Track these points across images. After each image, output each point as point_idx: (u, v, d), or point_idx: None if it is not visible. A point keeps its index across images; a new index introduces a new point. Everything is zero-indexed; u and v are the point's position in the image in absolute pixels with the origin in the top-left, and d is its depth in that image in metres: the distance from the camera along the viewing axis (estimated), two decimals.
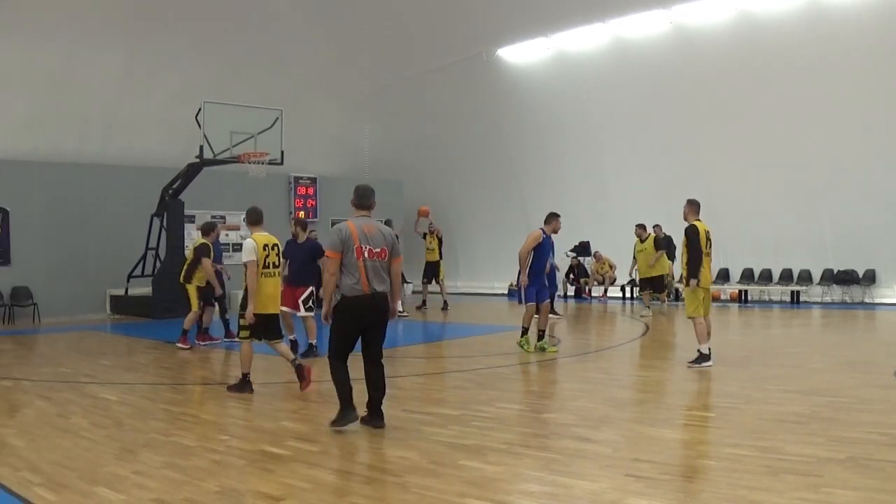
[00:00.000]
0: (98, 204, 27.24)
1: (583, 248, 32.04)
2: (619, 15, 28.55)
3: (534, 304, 16.44)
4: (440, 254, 27.34)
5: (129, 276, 26.06)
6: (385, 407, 10.04)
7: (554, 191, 32.75)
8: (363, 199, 10.25)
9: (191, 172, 25.21)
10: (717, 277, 29.18)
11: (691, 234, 14.33)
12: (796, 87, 25.93)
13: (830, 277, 27.44)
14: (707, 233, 14.50)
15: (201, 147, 24.09)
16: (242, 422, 10.59)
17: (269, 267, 12.58)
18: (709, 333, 14.30)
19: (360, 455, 8.76)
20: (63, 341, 20.39)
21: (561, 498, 7.11)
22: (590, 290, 32.09)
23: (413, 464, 8.24)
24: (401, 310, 22.63)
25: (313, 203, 33.33)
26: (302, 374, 12.27)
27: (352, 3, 31.03)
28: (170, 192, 25.76)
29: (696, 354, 14.26)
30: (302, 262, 16.39)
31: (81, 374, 14.78)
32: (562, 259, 32.10)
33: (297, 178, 32.99)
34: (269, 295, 12.58)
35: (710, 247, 14.61)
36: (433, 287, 27.70)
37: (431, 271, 27.47)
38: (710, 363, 13.99)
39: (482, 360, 15.74)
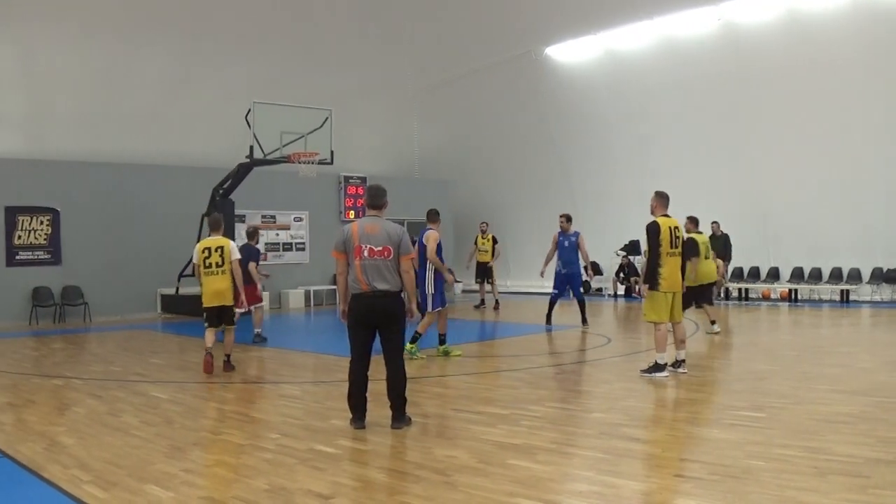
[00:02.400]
0: (148, 204, 27.39)
1: (632, 247, 31.85)
2: (666, 12, 28.41)
3: (441, 309, 16.22)
4: (493, 255, 27.34)
5: (180, 276, 26.13)
6: (409, 408, 10.05)
7: (602, 189, 32.63)
8: (374, 199, 10.34)
9: (241, 172, 25.24)
10: (766, 276, 28.95)
11: (651, 231, 13.50)
12: (846, 83, 25.65)
13: (880, 276, 27.07)
14: (673, 230, 13.55)
15: (251, 147, 24.11)
16: (293, 420, 10.53)
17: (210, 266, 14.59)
18: (682, 340, 13.78)
19: (410, 454, 8.69)
20: (113, 340, 20.52)
21: (609, 498, 7.03)
22: (640, 290, 31.89)
23: (462, 463, 8.19)
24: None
25: (363, 202, 33.29)
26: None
27: (401, 3, 31.01)
28: (220, 191, 25.79)
29: (650, 363, 13.72)
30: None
31: (132, 373, 14.85)
32: (612, 258, 31.97)
33: (346, 178, 32.97)
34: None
35: (679, 245, 13.60)
36: (486, 287, 27.81)
37: (484, 272, 27.45)
38: (664, 374, 13.20)
39: (532, 360, 15.66)
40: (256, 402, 12.27)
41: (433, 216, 17.13)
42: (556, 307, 21.74)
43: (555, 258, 21.68)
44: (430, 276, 15.98)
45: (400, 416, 9.88)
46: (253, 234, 20.26)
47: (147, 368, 15.49)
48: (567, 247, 21.15)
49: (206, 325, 14.85)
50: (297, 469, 8.10)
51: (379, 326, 9.91)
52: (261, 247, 21.04)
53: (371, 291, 9.73)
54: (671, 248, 13.37)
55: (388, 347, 9.98)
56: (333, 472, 7.97)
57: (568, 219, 21.50)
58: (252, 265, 19.16)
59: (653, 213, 13.85)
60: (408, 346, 15.13)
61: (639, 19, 29.23)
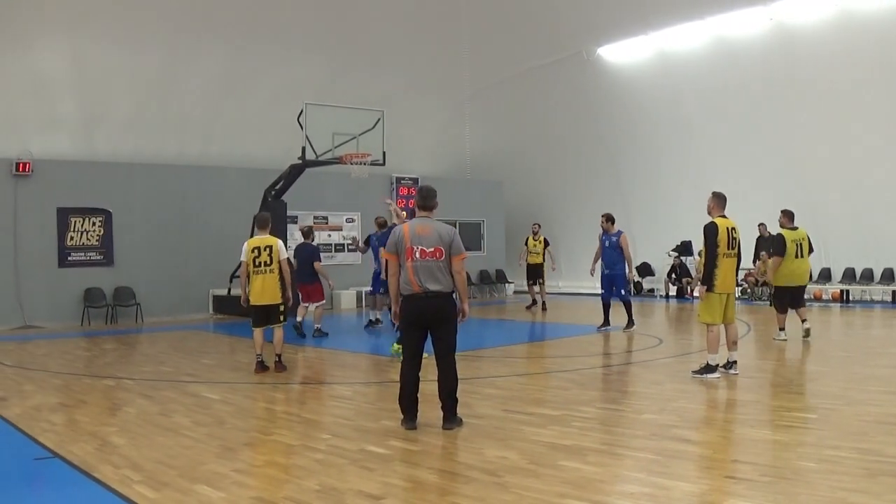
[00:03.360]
0: (200, 205, 27.52)
1: (684, 248, 31.67)
2: (718, 12, 28.22)
3: None
4: (544, 257, 27.21)
5: (232, 276, 26.17)
6: (460, 408, 9.99)
7: (654, 190, 32.50)
8: (425, 201, 10.35)
9: (293, 173, 25.30)
10: (818, 277, 28.71)
11: (709, 232, 13.42)
12: None
13: None
14: (731, 230, 13.48)
15: (303, 148, 24.17)
16: (344, 421, 10.51)
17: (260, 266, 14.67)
18: (735, 342, 13.56)
19: (460, 455, 8.64)
20: (165, 340, 20.62)
21: (660, 499, 6.96)
22: (692, 290, 31.69)
23: (513, 464, 8.14)
24: (374, 319, 22.34)
25: (414, 203, 33.25)
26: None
27: (453, 3, 30.99)
28: (272, 192, 25.88)
29: (703, 363, 13.52)
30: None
31: (183, 373, 14.90)
32: (663, 259, 31.80)
33: (399, 179, 33.01)
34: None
35: (736, 246, 13.57)
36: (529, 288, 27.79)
37: (535, 273, 27.37)
38: (715, 375, 13.02)
39: (583, 360, 15.59)
40: (307, 402, 12.29)
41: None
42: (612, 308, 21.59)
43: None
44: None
45: (451, 417, 9.85)
46: (308, 232, 20.88)
47: (198, 369, 15.55)
48: (608, 247, 21.00)
49: (252, 325, 14.92)
50: (348, 469, 8.07)
51: (431, 327, 9.89)
52: None
53: (423, 292, 9.72)
54: (728, 249, 13.27)
55: (440, 347, 9.92)
56: (384, 472, 7.94)
57: (608, 219, 21.29)
58: (318, 264, 19.65)
59: (710, 213, 13.73)
60: (395, 346, 15.26)
61: (690, 19, 29.06)
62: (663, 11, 29.14)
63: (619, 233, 20.98)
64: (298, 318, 20.40)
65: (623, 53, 32.26)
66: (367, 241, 22.34)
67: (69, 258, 25.06)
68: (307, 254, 20.16)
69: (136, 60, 26.21)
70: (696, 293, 13.91)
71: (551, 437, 9.21)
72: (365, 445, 9.06)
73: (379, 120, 25.30)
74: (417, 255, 9.75)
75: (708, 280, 13.29)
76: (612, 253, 20.94)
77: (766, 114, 28.41)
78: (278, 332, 14.95)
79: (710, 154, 30.67)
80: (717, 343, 13.25)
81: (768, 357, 16.29)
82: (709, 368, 13.13)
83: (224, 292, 26.94)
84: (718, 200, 13.83)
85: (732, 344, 13.52)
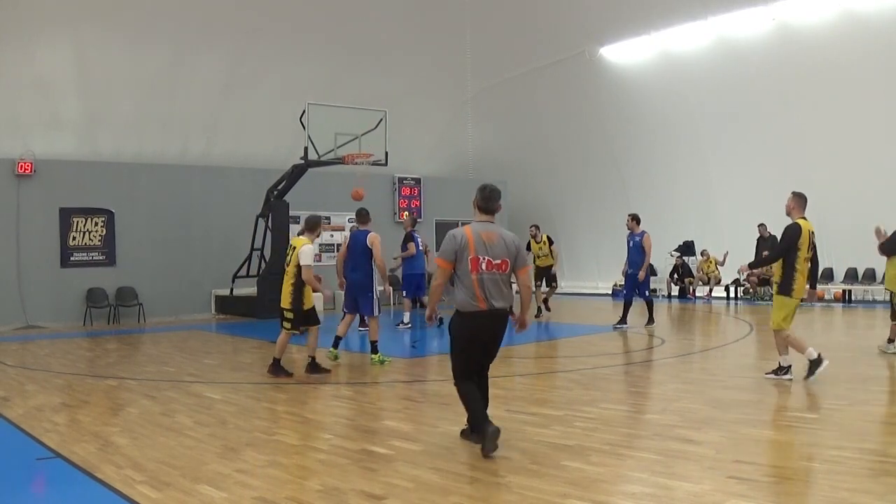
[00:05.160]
0: (202, 205, 27.57)
1: (687, 248, 31.69)
2: (721, 12, 28.22)
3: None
4: (553, 256, 27.05)
5: (235, 277, 26.25)
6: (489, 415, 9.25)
7: (658, 190, 32.52)
8: (488, 202, 9.05)
9: (295, 173, 25.33)
10: (820, 277, 28.70)
11: (792, 234, 12.58)
12: None
13: None
14: (811, 234, 12.68)
15: (306, 148, 24.19)
16: (346, 421, 10.52)
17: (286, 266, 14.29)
18: (787, 347, 12.93)
19: (463, 455, 8.62)
20: (168, 341, 20.61)
21: (663, 499, 6.95)
22: (694, 291, 31.71)
23: (515, 464, 8.14)
24: (406, 321, 22.48)
25: (417, 203, 33.32)
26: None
27: (456, 3, 31.00)
28: (275, 193, 25.91)
29: (777, 364, 13.05)
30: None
31: (186, 374, 14.89)
32: (666, 259, 31.80)
33: (401, 179, 33.03)
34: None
35: (814, 250, 12.73)
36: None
37: (544, 276, 27.29)
38: (789, 377, 12.63)
39: (586, 361, 15.58)
40: (309, 402, 12.26)
41: (367, 217, 16.17)
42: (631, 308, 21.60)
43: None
44: (376, 279, 15.74)
45: (484, 432, 8.61)
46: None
47: (201, 369, 15.54)
48: (632, 247, 21.09)
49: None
50: (350, 470, 8.07)
51: (487, 345, 8.99)
52: (314, 247, 21.15)
53: (489, 310, 8.70)
54: (808, 253, 12.55)
55: (487, 363, 9.21)
56: (386, 472, 7.93)
57: (633, 218, 21.35)
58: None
59: (790, 214, 13.05)
60: (376, 357, 15.30)
61: (693, 19, 29.08)
62: (666, 11, 29.17)
63: (643, 233, 21.07)
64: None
65: (626, 54, 32.28)
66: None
67: (72, 258, 25.08)
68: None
69: (138, 60, 26.25)
70: (748, 284, 13.45)
71: (554, 438, 9.21)
72: (367, 445, 9.06)
73: (381, 120, 25.29)
74: (483, 266, 8.67)
75: (787, 285, 12.50)
76: (635, 253, 21.06)
77: (769, 114, 28.42)
78: (311, 335, 14.58)
79: (712, 154, 30.71)
80: (804, 340, 12.72)
81: (770, 357, 16.27)
82: (815, 363, 12.52)
83: (227, 292, 26.95)
84: (799, 200, 13.18)
85: (784, 348, 12.89)
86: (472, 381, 8.99)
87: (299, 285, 13.94)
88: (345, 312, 15.98)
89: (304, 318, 14.29)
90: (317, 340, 14.56)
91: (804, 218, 12.83)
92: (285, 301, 14.14)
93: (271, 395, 12.75)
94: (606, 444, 8.86)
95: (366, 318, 16.09)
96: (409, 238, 22.13)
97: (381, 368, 14.78)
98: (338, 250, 21.07)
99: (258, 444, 9.18)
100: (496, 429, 8.47)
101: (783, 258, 12.60)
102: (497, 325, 8.89)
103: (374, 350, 15.49)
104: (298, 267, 13.78)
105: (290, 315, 14.15)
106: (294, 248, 14.24)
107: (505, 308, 8.81)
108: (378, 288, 15.86)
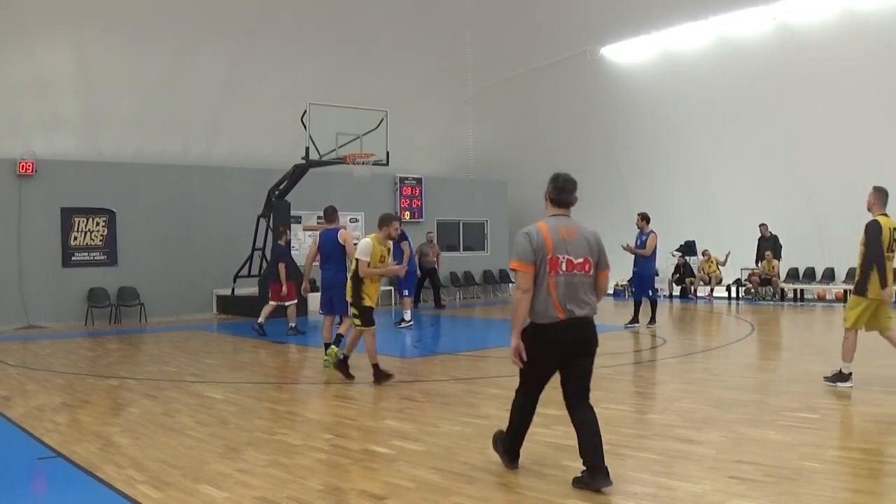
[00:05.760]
0: (204, 205, 27.58)
1: (688, 248, 31.67)
2: (721, 11, 28.21)
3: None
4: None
5: (236, 277, 26.25)
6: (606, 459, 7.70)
7: (658, 190, 32.49)
8: (563, 194, 7.81)
9: (297, 173, 25.33)
10: (822, 277, 28.74)
11: (872, 230, 11.95)
12: None
13: None
14: (892, 231, 11.99)
15: (307, 148, 24.18)
16: (347, 421, 10.53)
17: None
18: (853, 349, 12.19)
19: (464, 455, 8.60)
20: (169, 340, 20.63)
21: (663, 499, 6.98)
22: (695, 290, 31.69)
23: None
24: (408, 319, 22.63)
25: (419, 203, 33.32)
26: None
27: (457, 3, 31.00)
28: (276, 192, 25.90)
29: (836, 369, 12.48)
30: None
31: (187, 373, 14.89)
32: (667, 259, 31.78)
33: (402, 179, 33.02)
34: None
35: (894, 248, 11.96)
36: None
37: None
38: (849, 384, 11.99)
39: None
40: (310, 402, 12.27)
41: (334, 214, 15.87)
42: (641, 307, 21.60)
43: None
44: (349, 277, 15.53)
45: (607, 471, 7.31)
46: (282, 233, 21.55)
47: (202, 369, 15.54)
48: (639, 246, 21.11)
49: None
50: (351, 469, 8.09)
51: (571, 359, 7.57)
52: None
53: (568, 319, 7.36)
54: (889, 251, 11.96)
55: (576, 386, 7.65)
56: (387, 472, 7.94)
57: (643, 217, 21.40)
58: (282, 266, 19.80)
59: (870, 210, 12.32)
60: (332, 350, 14.75)
61: (694, 19, 29.06)
62: (667, 11, 29.13)
63: (650, 232, 21.10)
64: (291, 322, 20.85)
65: (627, 53, 32.24)
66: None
67: (73, 258, 25.08)
68: (275, 255, 20.52)
69: (139, 60, 26.23)
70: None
71: (555, 438, 9.21)
72: (368, 445, 9.08)
73: (382, 120, 25.31)
74: (563, 267, 7.39)
75: (863, 284, 11.91)
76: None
77: (770, 114, 28.38)
78: (367, 338, 13.42)
79: (713, 153, 30.68)
80: (853, 350, 12.20)
81: (771, 357, 16.28)
82: (841, 377, 12.15)
83: (228, 292, 26.95)
84: (880, 196, 12.30)
85: (849, 353, 12.16)
86: (535, 399, 7.85)
87: (357, 280, 13.22)
88: (322, 314, 15.67)
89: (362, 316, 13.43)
90: (374, 344, 13.40)
91: (885, 214, 12.22)
92: (348, 295, 13.65)
93: (272, 394, 12.77)
94: (607, 443, 8.76)
95: (327, 315, 15.37)
96: (403, 237, 22.15)
97: (383, 369, 14.71)
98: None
99: (259, 444, 9.18)
100: (515, 467, 7.78)
101: (862, 257, 12.01)
102: (579, 338, 7.50)
103: (337, 342, 15.04)
104: (357, 261, 13.21)
105: (354, 311, 13.45)
106: None
107: (588, 317, 7.52)
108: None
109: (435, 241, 29.92)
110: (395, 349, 17.55)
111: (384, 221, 13.53)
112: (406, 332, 21.49)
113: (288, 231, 21.87)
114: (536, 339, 7.42)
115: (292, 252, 23.15)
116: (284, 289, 20.49)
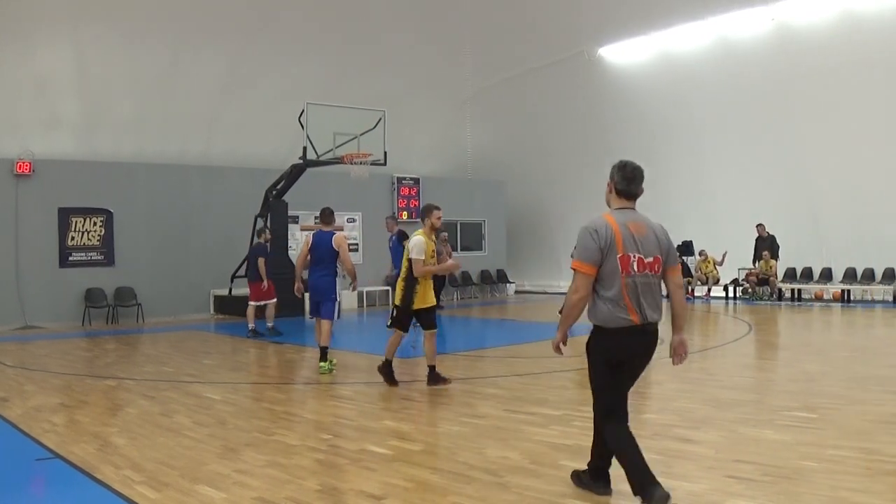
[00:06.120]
0: (201, 205, 27.56)
1: (685, 248, 31.67)
2: (720, 12, 28.25)
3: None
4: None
5: (233, 277, 26.22)
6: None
7: (656, 190, 32.16)
8: (632, 184, 7.11)
9: (294, 173, 25.32)
10: (819, 277, 28.74)
11: None
12: None
13: None
14: None
15: (304, 148, 24.18)
16: (345, 421, 10.52)
17: None
18: None
19: (462, 455, 8.59)
20: (166, 341, 20.62)
21: None
22: (692, 290, 31.70)
23: (514, 464, 8.15)
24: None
25: (416, 203, 33.29)
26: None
27: (455, 3, 31.02)
28: (273, 192, 25.90)
29: None
30: None
31: (184, 374, 14.89)
32: None
33: (400, 179, 33.01)
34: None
35: None
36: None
37: None
38: None
39: (584, 360, 15.53)
40: (308, 402, 12.26)
41: (331, 217, 15.58)
42: None
43: None
44: (340, 283, 15.25)
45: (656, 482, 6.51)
46: (261, 231, 21.44)
47: (199, 369, 15.54)
48: None
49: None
50: (349, 470, 8.09)
51: (632, 367, 7.05)
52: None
53: (643, 324, 6.71)
54: None
55: (627, 392, 7.11)
56: (385, 472, 7.94)
57: None
58: (261, 261, 19.75)
59: None
60: (325, 364, 14.51)
61: (692, 19, 29.11)
62: (665, 12, 29.21)
63: None
64: (269, 323, 20.94)
65: (625, 54, 32.33)
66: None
67: (70, 258, 25.06)
68: (256, 252, 20.54)
69: (137, 60, 26.28)
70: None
71: (552, 437, 9.22)
72: (366, 445, 9.05)
73: (380, 120, 25.29)
74: (635, 266, 6.66)
75: None
76: None
77: (768, 114, 28.41)
78: (427, 340, 12.92)
79: (711, 153, 30.70)
80: None
81: (769, 357, 16.29)
82: None
83: (225, 292, 26.92)
84: None
85: None
86: (624, 420, 6.95)
87: (412, 282, 12.56)
88: (313, 318, 15.31)
89: (420, 317, 12.81)
90: (434, 346, 12.90)
91: None
92: (397, 298, 12.91)
93: (270, 395, 12.75)
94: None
95: (321, 319, 14.87)
96: (406, 236, 22.15)
97: (370, 369, 14.65)
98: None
99: (257, 445, 9.17)
100: (666, 494, 6.40)
101: None
102: (652, 345, 6.92)
103: (324, 357, 14.68)
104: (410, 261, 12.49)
105: (394, 314, 12.81)
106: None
107: (657, 321, 6.85)
108: (346, 290, 15.49)
109: (448, 242, 29.98)
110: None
111: (426, 212, 12.93)
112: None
113: (266, 231, 21.80)
114: (610, 346, 6.81)
115: (289, 252, 23.16)
116: (265, 284, 20.43)
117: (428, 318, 12.85)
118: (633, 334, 6.67)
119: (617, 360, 6.79)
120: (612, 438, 6.81)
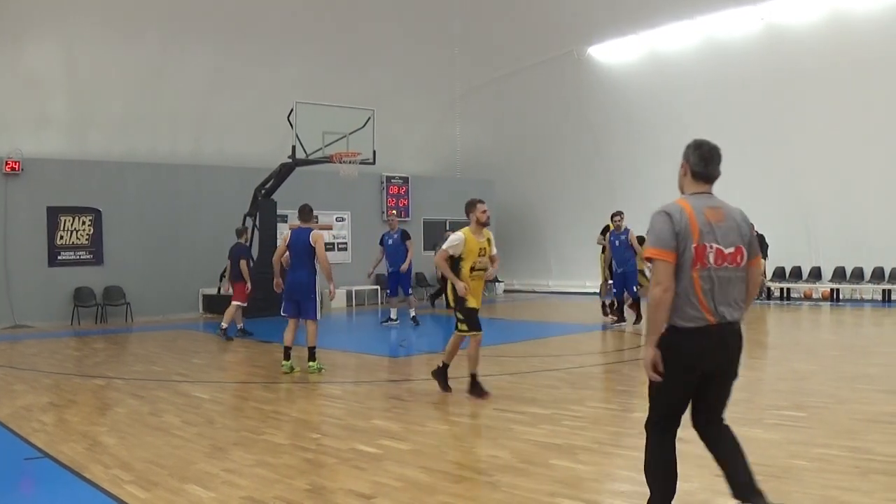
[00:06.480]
0: (190, 204, 27.53)
1: None
2: (709, 12, 28.30)
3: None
4: None
5: (222, 276, 26.17)
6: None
7: (645, 189, 32.45)
8: (710, 165, 6.27)
9: (283, 172, 25.32)
10: (808, 275, 28.78)
11: None
12: (889, 83, 25.48)
13: None
14: None
15: (293, 147, 24.20)
16: (334, 420, 10.52)
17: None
18: None
19: (451, 454, 8.63)
20: (155, 340, 20.60)
21: None
22: None
23: (504, 463, 8.15)
24: (394, 318, 22.71)
25: (405, 202, 33.31)
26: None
27: (444, 4, 31.02)
28: (262, 191, 25.90)
29: None
30: None
31: (173, 373, 14.87)
32: None
33: (389, 178, 33.01)
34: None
35: None
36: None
37: None
38: None
39: (573, 359, 15.60)
40: (297, 401, 12.23)
41: (310, 214, 15.13)
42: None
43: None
44: (320, 281, 15.16)
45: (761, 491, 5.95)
46: (241, 232, 21.57)
47: (188, 368, 15.52)
48: (618, 246, 21.09)
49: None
50: (338, 469, 8.09)
51: (713, 375, 6.12)
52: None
53: (719, 324, 5.76)
54: None
55: (718, 406, 6.46)
56: (374, 471, 7.94)
57: (621, 216, 21.31)
58: (243, 262, 19.76)
59: None
60: (314, 364, 14.40)
61: (681, 19, 29.15)
62: (654, 11, 29.22)
63: (627, 231, 21.05)
64: (239, 324, 21.08)
65: (613, 53, 32.36)
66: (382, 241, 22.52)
67: (59, 257, 25.01)
68: (237, 253, 20.50)
69: (127, 59, 26.23)
70: None
71: (542, 436, 9.22)
72: (355, 444, 9.05)
73: (369, 119, 25.30)
74: (711, 258, 5.74)
75: None
76: (621, 251, 21.03)
77: (757, 114, 28.43)
78: (470, 344, 12.14)
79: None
80: None
81: (758, 356, 16.31)
82: None
83: (214, 291, 26.89)
84: None
85: None
86: (673, 437, 6.40)
87: (453, 274, 11.92)
88: (286, 317, 14.87)
89: (468, 320, 12.04)
90: (478, 353, 12.12)
91: None
92: (450, 299, 12.37)
93: (259, 394, 12.74)
94: (595, 442, 8.86)
95: (305, 320, 14.63)
96: (407, 236, 22.16)
97: (370, 368, 14.69)
98: (332, 249, 21.13)
99: (246, 444, 9.17)
100: None
101: None
102: (732, 347, 5.95)
103: (312, 357, 14.53)
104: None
105: (459, 316, 12.11)
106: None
107: (738, 320, 5.89)
108: (324, 290, 15.38)
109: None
110: (382, 348, 17.56)
111: (469, 207, 12.00)
112: (390, 330, 21.52)
113: (247, 231, 21.87)
114: (680, 348, 5.81)
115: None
116: (249, 285, 20.46)
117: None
118: (709, 335, 5.74)
119: (687, 363, 5.86)
120: (650, 447, 6.42)
